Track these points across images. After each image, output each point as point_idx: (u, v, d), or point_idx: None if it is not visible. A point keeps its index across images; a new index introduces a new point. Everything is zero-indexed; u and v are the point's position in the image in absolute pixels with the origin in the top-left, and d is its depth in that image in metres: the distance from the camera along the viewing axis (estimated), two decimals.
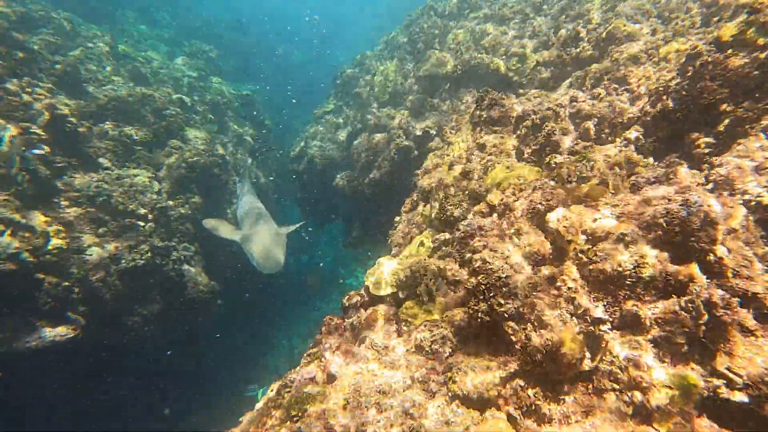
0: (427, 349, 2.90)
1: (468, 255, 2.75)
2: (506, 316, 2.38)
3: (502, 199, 3.32)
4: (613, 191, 2.75)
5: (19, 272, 5.37)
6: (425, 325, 3.30)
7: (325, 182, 12.69)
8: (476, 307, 2.56)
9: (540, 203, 2.74)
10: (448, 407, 2.16)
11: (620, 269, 2.08)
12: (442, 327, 2.98)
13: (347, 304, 3.98)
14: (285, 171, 15.68)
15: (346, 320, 3.81)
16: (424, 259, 3.86)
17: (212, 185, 9.72)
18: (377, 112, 10.99)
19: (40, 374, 5.93)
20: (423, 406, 2.21)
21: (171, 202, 8.20)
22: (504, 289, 2.43)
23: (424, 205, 5.69)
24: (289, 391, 2.80)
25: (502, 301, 2.40)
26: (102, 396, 7.44)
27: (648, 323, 1.93)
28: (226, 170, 10.73)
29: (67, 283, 5.92)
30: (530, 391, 2.06)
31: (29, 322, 5.58)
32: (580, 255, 2.35)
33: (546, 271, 2.38)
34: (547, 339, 2.05)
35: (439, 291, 3.55)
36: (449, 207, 4.46)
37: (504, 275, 2.44)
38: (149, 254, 6.99)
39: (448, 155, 5.96)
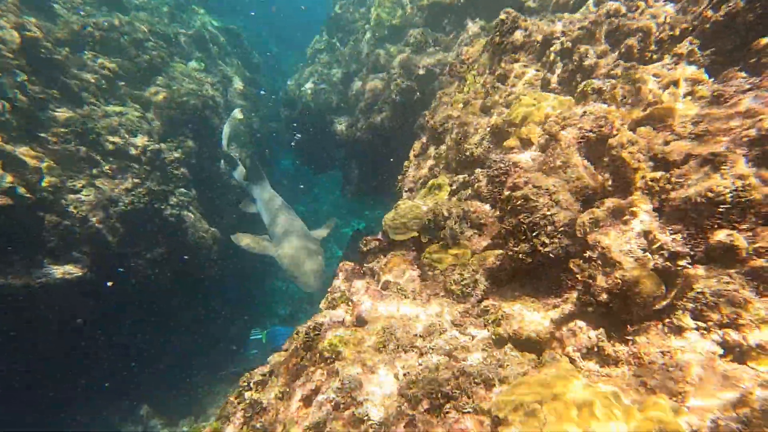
0: (458, 292, 2.77)
1: (506, 193, 2.52)
2: (552, 256, 2.21)
3: (540, 132, 3.03)
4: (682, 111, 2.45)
5: (17, 208, 5.04)
6: (452, 269, 3.16)
7: (321, 128, 12.09)
8: (516, 249, 2.38)
9: (592, 130, 2.45)
10: (498, 350, 2.05)
11: (711, 194, 1.85)
12: (471, 270, 2.83)
13: (365, 250, 3.79)
14: (275, 115, 14.89)
15: (365, 266, 3.65)
16: (447, 201, 3.65)
17: (204, 128, 9.13)
18: (375, 50, 10.20)
19: (52, 314, 5.80)
20: (467, 348, 2.09)
21: (163, 145, 7.67)
22: (550, 227, 2.23)
23: (436, 147, 5.38)
24: (318, 334, 2.68)
25: (547, 241, 2.22)
26: (112, 340, 7.42)
27: (744, 254, 1.76)
28: (217, 113, 10.04)
29: (68, 222, 5.60)
30: (592, 333, 1.95)
31: (36, 259, 5.34)
32: (650, 184, 2.13)
33: (610, 203, 2.16)
34: (616, 278, 1.90)
35: (463, 234, 3.38)
36: (468, 146, 4.17)
37: (550, 212, 2.24)
38: (147, 198, 6.61)
39: (460, 92, 5.54)
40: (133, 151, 6.81)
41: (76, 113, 6.38)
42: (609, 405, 1.44)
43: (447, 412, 1.71)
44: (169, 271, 7.65)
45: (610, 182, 2.37)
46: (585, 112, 2.54)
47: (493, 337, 2.15)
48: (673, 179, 2.04)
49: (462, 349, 2.08)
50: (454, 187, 4.24)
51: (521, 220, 2.32)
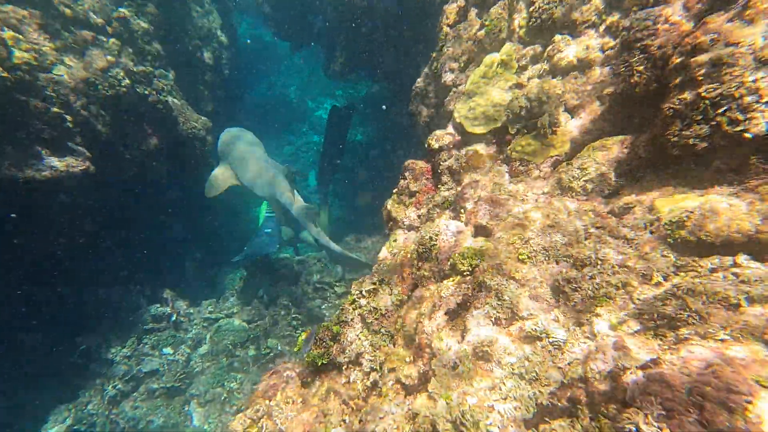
0: (578, 189, 2.40)
1: (677, 60, 1.94)
2: (749, 137, 1.73)
3: None
4: None
5: None
6: (554, 162, 2.74)
7: None
8: (685, 132, 1.90)
9: None
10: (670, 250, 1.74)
11: None
12: (594, 162, 2.41)
13: (437, 146, 3.22)
14: None
15: (442, 164, 3.13)
16: (538, 82, 3.01)
17: None
18: None
19: (61, 208, 5.03)
20: (643, 257, 1.80)
21: (124, 11, 5.83)
22: (749, 98, 1.72)
23: (480, 11, 4.36)
24: (435, 244, 2.32)
25: (742, 117, 1.75)
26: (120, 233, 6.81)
27: None
28: None
29: (56, 110, 4.40)
30: None
31: (34, 150, 4.32)
32: None
33: None
34: None
35: (557, 124, 2.87)
36: (545, 6, 3.29)
37: (753, 78, 1.72)
38: (128, 81, 5.23)
39: None
40: (95, 19, 5.09)
41: None
42: None
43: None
44: (166, 164, 6.71)
45: None
46: None
47: (668, 240, 1.83)
48: None
49: (631, 258, 1.80)
50: (522, 64, 3.52)
51: (702, 93, 1.82)
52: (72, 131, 4.66)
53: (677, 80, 1.95)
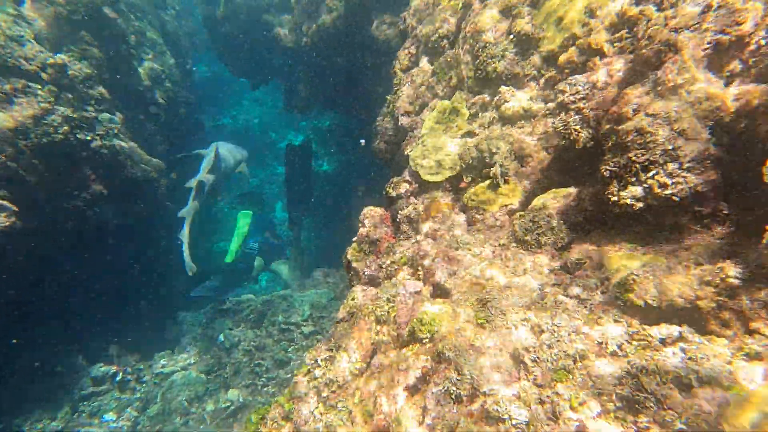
0: (532, 242, 2.41)
1: (606, 127, 2.02)
2: (675, 199, 1.82)
3: (608, 37, 2.40)
4: None
5: None
6: (505, 212, 2.75)
7: (256, 31, 9.81)
8: (622, 193, 1.97)
9: (723, 30, 1.90)
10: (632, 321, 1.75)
11: None
12: (545, 215, 2.44)
13: (393, 194, 3.17)
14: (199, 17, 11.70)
15: (399, 213, 3.08)
16: (489, 133, 3.07)
17: (108, 32, 6.68)
18: None
19: None
20: (597, 321, 1.78)
21: (63, 57, 5.50)
22: (672, 165, 1.81)
23: (431, 59, 4.49)
24: (393, 306, 2.21)
25: (668, 181, 1.83)
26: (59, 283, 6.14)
27: None
28: (122, 14, 7.40)
29: None
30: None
31: None
32: None
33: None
34: None
35: (508, 173, 2.91)
36: (488, 60, 3.42)
37: (673, 146, 1.81)
38: (66, 127, 4.86)
39: None
40: (26, 66, 4.74)
41: None
42: None
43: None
44: (112, 210, 6.23)
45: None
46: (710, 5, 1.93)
47: (619, 307, 1.82)
48: None
49: (591, 322, 1.78)
50: (472, 111, 3.62)
51: (632, 158, 1.90)
52: None
53: (609, 144, 2.03)
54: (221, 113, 17.38)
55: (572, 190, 2.44)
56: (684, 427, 1.17)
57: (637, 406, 1.31)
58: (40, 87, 4.85)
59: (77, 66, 5.53)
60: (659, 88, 1.96)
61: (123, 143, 6.14)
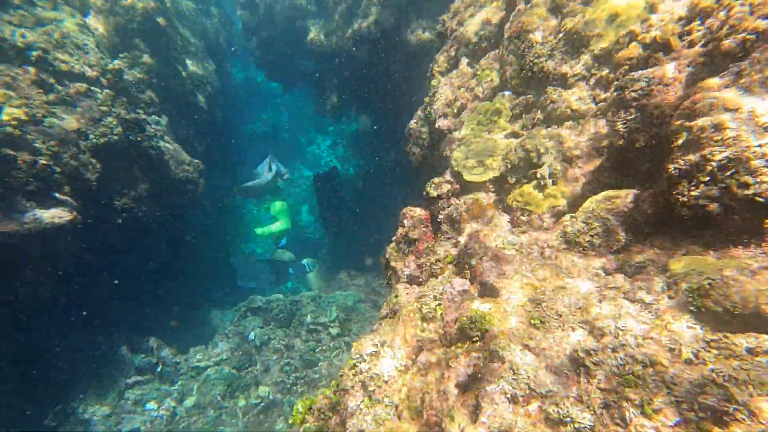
0: (585, 244, 2.31)
1: (677, 123, 1.91)
2: (759, 200, 1.68)
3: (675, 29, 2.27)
4: None
5: None
6: (554, 215, 2.66)
7: (290, 36, 10.09)
8: (691, 193, 1.84)
9: None
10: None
11: None
12: (599, 216, 2.33)
13: (435, 195, 3.14)
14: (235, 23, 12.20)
15: (441, 213, 3.04)
16: (535, 134, 2.99)
17: (160, 40, 7.08)
18: None
19: (45, 260, 4.75)
20: (666, 327, 1.67)
21: (118, 63, 5.85)
22: (756, 162, 1.67)
23: (471, 61, 4.45)
24: (440, 303, 2.17)
25: (751, 180, 1.69)
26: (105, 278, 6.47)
27: None
28: (171, 22, 7.81)
29: (44, 162, 4.27)
30: None
31: (18, 202, 4.13)
32: None
33: None
34: None
35: (557, 174, 2.82)
36: (535, 60, 3.35)
37: (759, 143, 1.69)
38: (120, 128, 5.15)
39: None
40: (89, 72, 5.07)
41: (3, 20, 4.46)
42: None
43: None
44: (155, 208, 6.51)
45: None
46: None
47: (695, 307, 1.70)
48: None
49: (656, 327, 1.68)
50: (515, 112, 3.54)
51: (707, 155, 1.78)
52: (58, 182, 4.51)
53: (679, 141, 1.91)
54: (253, 117, 17.95)
55: (628, 191, 2.33)
56: None
57: (725, 417, 1.21)
58: (99, 91, 5.17)
59: (132, 73, 5.87)
60: (743, 81, 1.83)
61: (168, 144, 6.43)
